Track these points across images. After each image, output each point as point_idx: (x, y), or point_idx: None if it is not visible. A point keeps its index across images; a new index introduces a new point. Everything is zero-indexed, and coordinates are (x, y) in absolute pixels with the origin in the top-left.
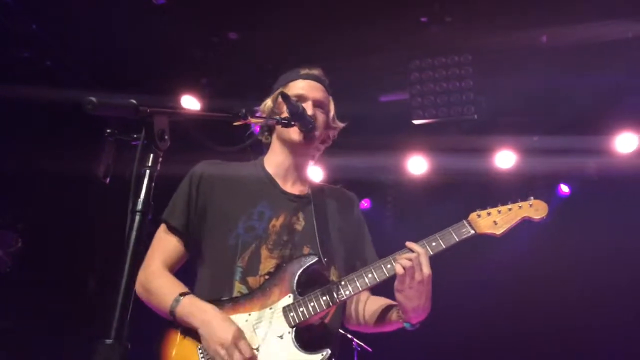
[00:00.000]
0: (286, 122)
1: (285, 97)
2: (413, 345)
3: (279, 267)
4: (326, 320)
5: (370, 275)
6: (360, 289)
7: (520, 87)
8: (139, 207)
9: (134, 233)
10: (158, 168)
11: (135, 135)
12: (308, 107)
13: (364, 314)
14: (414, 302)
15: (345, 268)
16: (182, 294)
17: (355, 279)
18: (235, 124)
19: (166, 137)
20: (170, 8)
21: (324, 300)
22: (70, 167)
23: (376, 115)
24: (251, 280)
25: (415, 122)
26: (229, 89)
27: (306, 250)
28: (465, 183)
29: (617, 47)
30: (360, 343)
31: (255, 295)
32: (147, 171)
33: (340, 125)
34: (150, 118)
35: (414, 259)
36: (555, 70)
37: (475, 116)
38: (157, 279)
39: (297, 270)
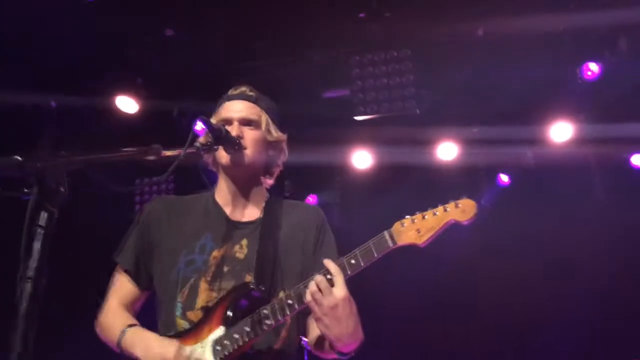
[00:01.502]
0: (207, 147)
1: (205, 122)
2: (373, 342)
3: (218, 299)
4: (275, 347)
5: (290, 302)
6: (281, 318)
7: (458, 80)
8: (30, 273)
9: (24, 304)
10: (53, 227)
11: (26, 190)
12: (234, 128)
13: (310, 339)
14: (333, 330)
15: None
16: (129, 326)
17: (277, 306)
18: (148, 158)
19: (62, 189)
20: (102, 4)
21: (246, 332)
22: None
23: (319, 111)
24: (190, 314)
25: (357, 118)
26: (166, 88)
27: (248, 278)
28: (410, 175)
29: (550, 39)
30: None
31: (193, 329)
32: (40, 232)
33: (282, 136)
34: (41, 172)
35: (321, 283)
36: (491, 63)
37: (417, 111)
38: (109, 315)
39: (231, 301)
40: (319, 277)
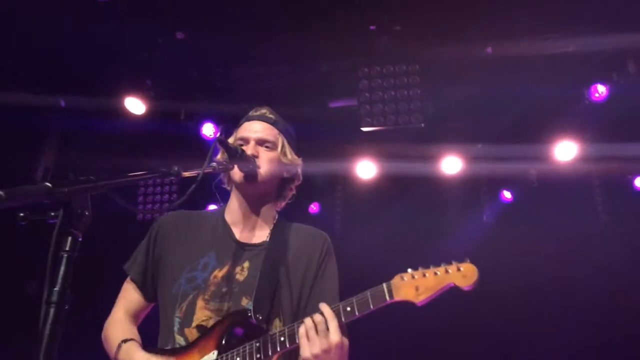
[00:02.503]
0: (223, 166)
1: (222, 143)
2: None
3: (216, 321)
4: None
5: (282, 340)
6: (270, 354)
7: (466, 96)
8: (54, 298)
9: (47, 328)
10: (76, 251)
11: (52, 213)
12: (249, 148)
13: None
14: None
15: (295, 317)
16: (124, 341)
17: (269, 341)
18: (168, 179)
19: (87, 213)
20: (114, 6)
21: None
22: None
23: (325, 120)
24: (187, 331)
25: (364, 129)
26: (175, 90)
27: (245, 301)
28: (413, 188)
29: (559, 60)
30: None
31: (188, 349)
32: (65, 256)
33: (296, 159)
34: (68, 197)
35: (319, 324)
36: (499, 81)
37: (423, 124)
38: (112, 326)
39: (228, 327)
40: (318, 317)
